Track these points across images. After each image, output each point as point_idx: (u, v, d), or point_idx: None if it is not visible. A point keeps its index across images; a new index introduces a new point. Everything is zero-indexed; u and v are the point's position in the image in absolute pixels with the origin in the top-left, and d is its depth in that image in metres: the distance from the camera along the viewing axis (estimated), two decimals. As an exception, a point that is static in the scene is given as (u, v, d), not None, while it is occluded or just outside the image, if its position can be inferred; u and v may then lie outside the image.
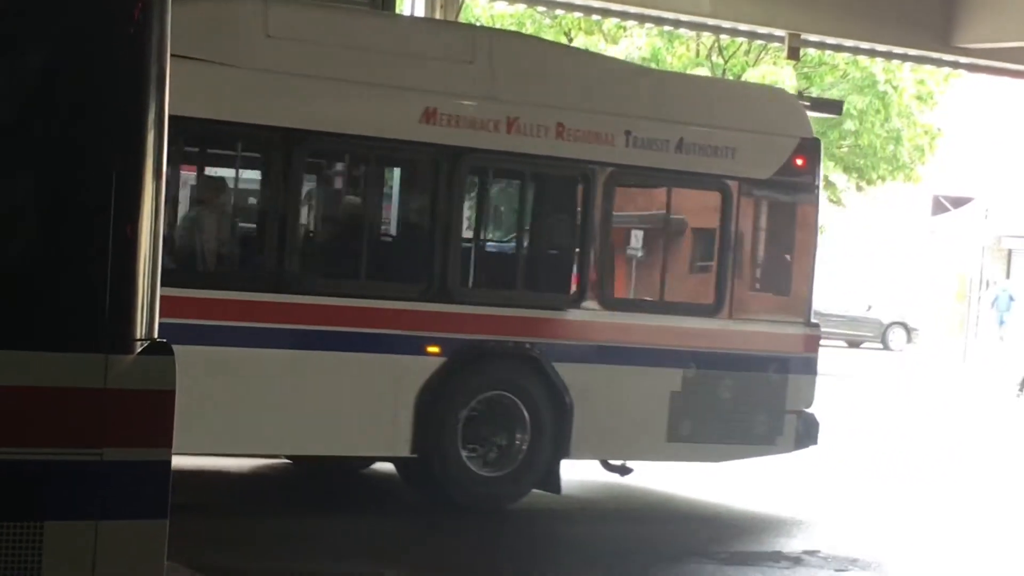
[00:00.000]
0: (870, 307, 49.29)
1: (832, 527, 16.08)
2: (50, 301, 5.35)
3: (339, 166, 16.76)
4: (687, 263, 17.26)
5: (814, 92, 34.64)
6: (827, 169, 36.56)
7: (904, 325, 49.79)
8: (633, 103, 15.58)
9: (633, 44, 33.57)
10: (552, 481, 15.08)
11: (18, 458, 5.20)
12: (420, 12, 20.26)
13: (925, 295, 50.75)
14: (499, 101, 14.70)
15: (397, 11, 20.14)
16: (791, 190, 16.50)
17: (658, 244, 16.79)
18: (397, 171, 16.69)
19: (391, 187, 16.85)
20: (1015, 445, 25.18)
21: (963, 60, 22.80)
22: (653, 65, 33.54)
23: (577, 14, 27.42)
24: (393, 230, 16.93)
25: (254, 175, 15.31)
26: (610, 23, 31.30)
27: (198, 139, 14.79)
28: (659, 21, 24.46)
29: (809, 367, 16.39)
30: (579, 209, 15.80)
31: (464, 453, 14.66)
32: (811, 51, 24.32)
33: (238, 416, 13.78)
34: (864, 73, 34.25)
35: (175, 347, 5.49)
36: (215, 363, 13.14)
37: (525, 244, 16.63)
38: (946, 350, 45.99)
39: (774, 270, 17.20)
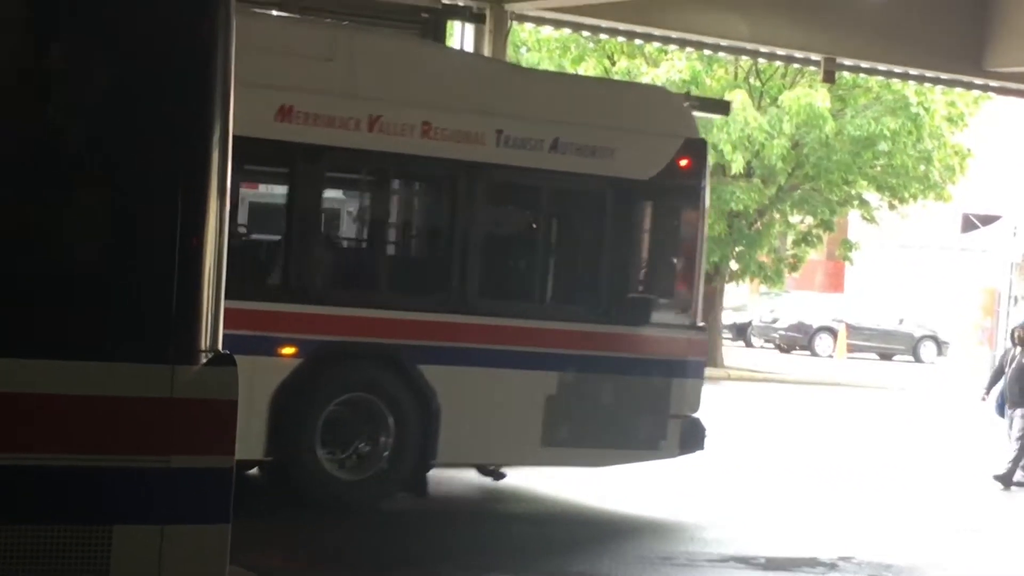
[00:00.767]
0: (902, 320, 49.09)
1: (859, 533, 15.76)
2: (119, 314, 5.39)
3: (190, 165, 15.90)
4: (564, 265, 16.30)
5: (848, 114, 34.44)
6: (861, 188, 36.54)
7: (935, 338, 49.63)
8: (505, 102, 14.98)
9: (674, 67, 33.42)
10: (419, 484, 14.61)
11: (88, 465, 5.23)
12: (469, 37, 19.88)
13: (955, 309, 50.57)
14: (360, 99, 14.11)
15: (448, 38, 19.71)
16: (675, 192, 15.82)
17: (534, 245, 16.14)
18: (253, 169, 15.55)
19: (247, 186, 16.10)
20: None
21: (993, 83, 22.68)
22: (693, 88, 33.38)
23: (621, 39, 27.22)
24: (249, 229, 16.09)
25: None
26: (652, 47, 31.13)
27: None
28: (699, 45, 24.33)
29: (695, 371, 15.74)
30: (447, 209, 15.35)
31: (323, 455, 13.99)
32: (846, 74, 23.75)
33: None
34: (897, 96, 33.96)
35: None
36: None
37: (389, 244, 16.29)
38: (976, 362, 45.82)
39: (657, 273, 16.39)
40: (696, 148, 15.61)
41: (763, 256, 36.93)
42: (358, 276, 15.76)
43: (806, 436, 25.46)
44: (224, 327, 5.52)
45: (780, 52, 22.74)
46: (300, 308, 13.88)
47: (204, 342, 5.44)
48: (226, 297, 5.53)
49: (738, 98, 33.52)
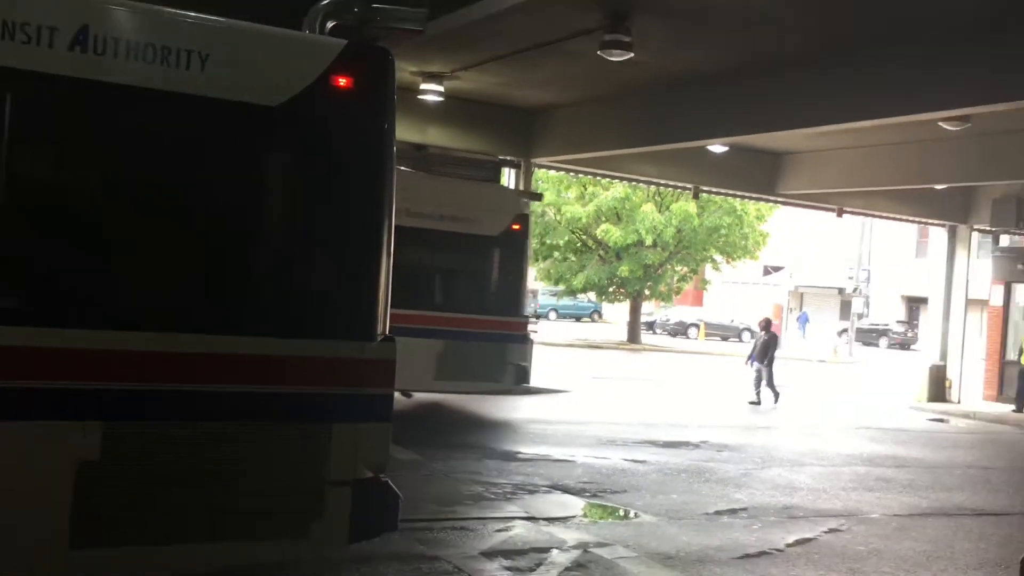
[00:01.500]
0: (732, 320, 48.55)
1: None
2: (344, 316, 5.23)
3: None
4: (460, 281, 14.68)
5: (705, 214, 34.27)
6: (711, 252, 36.41)
7: (748, 329, 49.31)
8: (416, 194, 12.84)
9: (617, 191, 33.33)
10: None
11: (323, 392, 5.12)
12: (512, 176, 19.35)
13: (759, 315, 50.67)
14: None
15: (502, 177, 17.97)
16: (512, 243, 14.33)
17: (451, 271, 14.59)
18: None
19: None
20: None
21: (780, 199, 22.54)
22: (626, 204, 33.40)
23: (591, 176, 26.95)
24: None
25: None
26: (606, 181, 31.08)
27: None
28: (631, 180, 24.30)
29: (523, 340, 14.14)
30: None
31: None
32: (704, 194, 23.66)
33: None
34: (730, 205, 33.97)
35: None
36: None
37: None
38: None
39: (505, 285, 14.52)
40: (524, 219, 14.48)
41: (662, 288, 36.79)
42: None
43: (680, 379, 25.26)
44: None
45: (671, 183, 22.62)
46: None
47: (381, 328, 5.27)
48: None
49: (649, 207, 33.60)
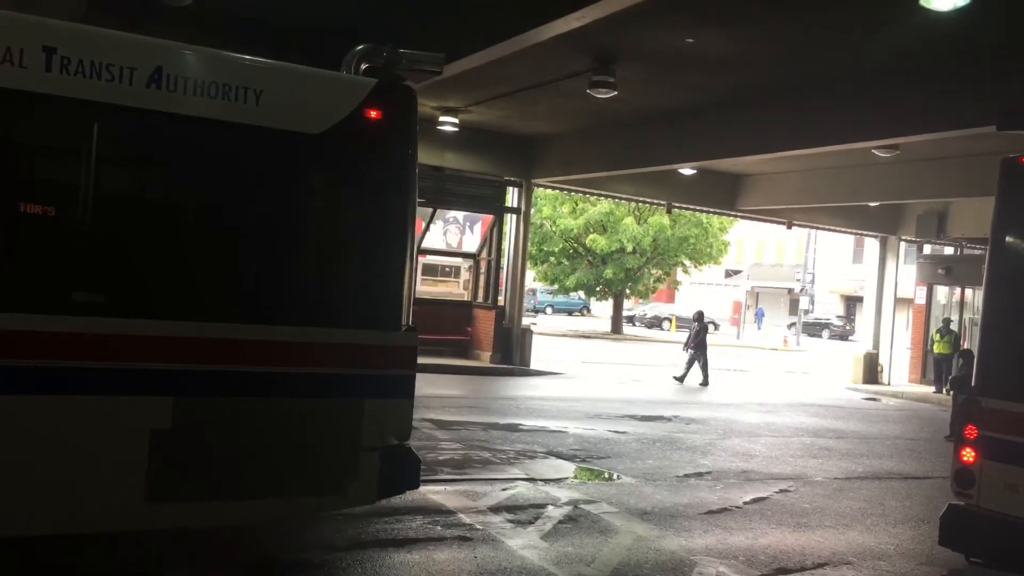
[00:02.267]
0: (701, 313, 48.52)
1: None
2: (377, 311, 5.16)
3: None
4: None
5: (676, 226, 34.06)
6: (682, 258, 36.25)
7: (713, 322, 49.09)
8: None
9: (603, 206, 33.19)
10: None
11: (358, 372, 5.11)
12: (514, 195, 19.35)
13: (721, 310, 50.37)
14: None
15: (506, 197, 18.54)
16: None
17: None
18: None
19: None
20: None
21: (740, 214, 22.46)
22: (611, 217, 33.20)
23: (582, 194, 26.85)
24: None
25: None
26: (594, 198, 30.97)
27: None
28: (615, 197, 24.09)
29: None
30: None
31: None
32: (676, 209, 23.54)
33: None
34: (697, 218, 33.83)
35: None
36: None
37: None
38: (731, 335, 45.44)
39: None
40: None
41: (640, 287, 36.68)
42: None
43: (655, 364, 25.23)
44: None
45: (647, 199, 22.52)
46: None
47: (405, 321, 5.24)
48: None
49: (630, 220, 33.52)
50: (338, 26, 9.43)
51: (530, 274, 31.35)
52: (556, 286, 37.51)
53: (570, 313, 51.99)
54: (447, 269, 23.28)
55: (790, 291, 49.10)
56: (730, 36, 10.55)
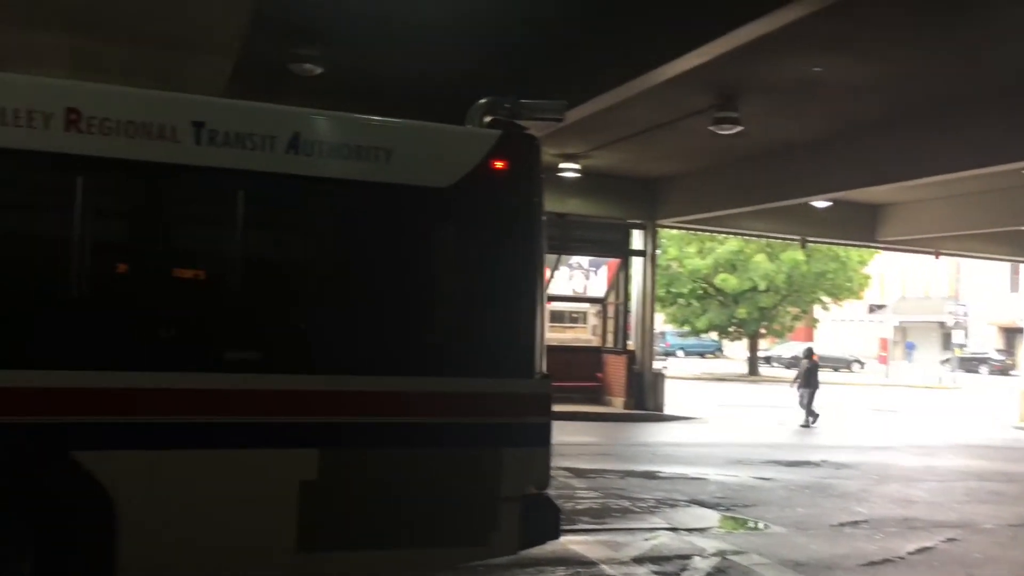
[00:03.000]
0: (810, 349, 46.47)
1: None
2: (504, 356, 5.17)
3: None
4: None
5: (811, 261, 32.91)
6: (819, 294, 34.91)
7: (857, 360, 46.83)
8: None
9: (731, 244, 32.58)
10: None
11: (494, 421, 5.12)
12: (639, 236, 19.36)
13: (866, 347, 48.10)
14: None
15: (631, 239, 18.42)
16: None
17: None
18: None
19: None
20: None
21: (880, 245, 21.60)
22: (740, 255, 32.35)
23: (709, 233, 26.37)
24: None
25: None
26: (721, 236, 30.48)
27: None
28: (745, 235, 24.00)
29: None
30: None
31: None
32: (811, 244, 22.91)
33: None
34: (834, 252, 32.73)
35: None
36: None
37: None
38: (874, 373, 43.26)
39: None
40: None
41: (776, 326, 35.59)
42: None
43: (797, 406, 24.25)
44: None
45: (779, 235, 22.00)
46: None
47: (539, 368, 5.23)
48: None
49: (761, 257, 32.67)
50: (458, 80, 9.74)
51: (659, 317, 30.89)
52: (687, 328, 36.84)
53: (702, 355, 50.78)
54: (574, 315, 23.31)
55: (942, 324, 46.33)
56: (858, 62, 10.24)
